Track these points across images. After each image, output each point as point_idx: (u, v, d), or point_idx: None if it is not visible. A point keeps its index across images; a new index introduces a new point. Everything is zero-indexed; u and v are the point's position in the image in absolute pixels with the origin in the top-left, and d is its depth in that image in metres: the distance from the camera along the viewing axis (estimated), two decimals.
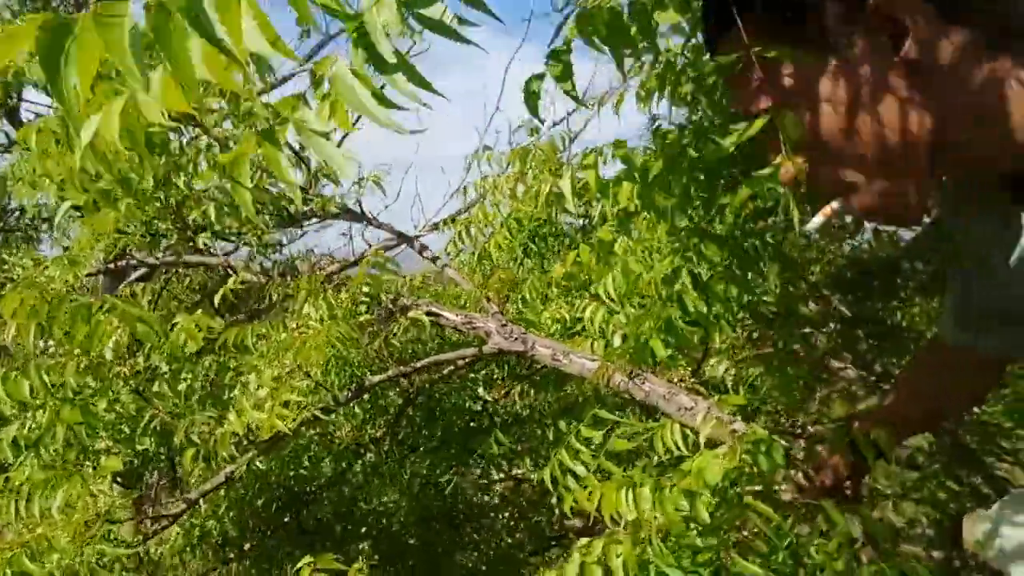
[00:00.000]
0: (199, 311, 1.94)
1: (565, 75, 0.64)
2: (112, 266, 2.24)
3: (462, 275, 1.63)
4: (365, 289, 1.55)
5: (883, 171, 0.69)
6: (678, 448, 1.47)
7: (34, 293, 1.33)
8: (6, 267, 1.97)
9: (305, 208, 1.78)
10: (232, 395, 1.43)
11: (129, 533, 1.44)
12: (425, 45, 4.27)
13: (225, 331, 1.37)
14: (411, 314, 1.62)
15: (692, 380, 1.59)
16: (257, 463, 1.71)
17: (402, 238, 1.71)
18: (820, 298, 2.12)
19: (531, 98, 0.66)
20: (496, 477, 1.99)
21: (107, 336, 1.44)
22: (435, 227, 2.04)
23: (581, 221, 2.19)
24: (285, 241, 2.78)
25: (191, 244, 1.99)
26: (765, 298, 1.70)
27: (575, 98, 0.66)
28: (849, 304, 2.11)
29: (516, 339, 1.58)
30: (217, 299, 1.94)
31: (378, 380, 1.47)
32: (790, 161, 0.73)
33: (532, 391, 1.83)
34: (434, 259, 1.61)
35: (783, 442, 1.34)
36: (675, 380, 1.55)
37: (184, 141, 1.63)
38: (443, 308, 1.64)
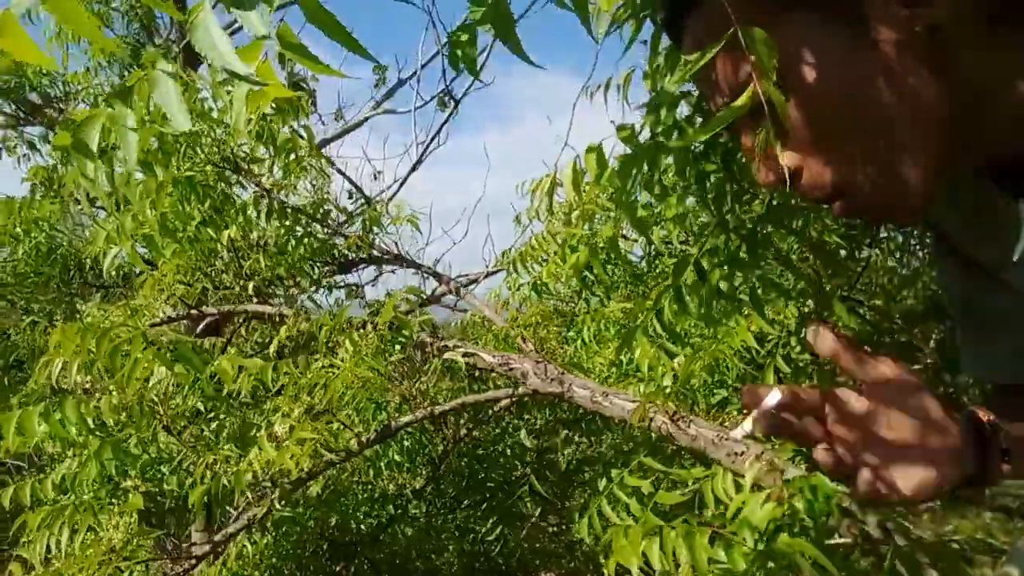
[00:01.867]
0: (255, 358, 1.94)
1: (500, 25, 0.56)
2: (189, 313, 2.32)
3: (496, 311, 1.57)
4: (400, 329, 1.52)
5: (885, 159, 0.58)
6: (729, 499, 1.33)
7: (75, 330, 1.37)
8: (79, 317, 2.08)
9: (352, 255, 1.79)
10: (257, 434, 1.40)
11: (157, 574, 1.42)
12: (490, 79, 4.31)
13: (246, 372, 1.36)
14: (447, 355, 1.57)
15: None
16: (294, 509, 1.67)
17: (436, 277, 1.68)
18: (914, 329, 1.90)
19: (460, 51, 0.59)
20: (548, 530, 1.87)
21: (143, 373, 1.46)
22: (488, 274, 2.01)
23: (645, 248, 2.07)
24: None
25: (249, 293, 2.04)
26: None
27: (525, 58, 0.59)
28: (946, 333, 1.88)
29: (553, 380, 1.49)
30: (272, 349, 1.97)
31: (405, 422, 1.41)
32: (781, 153, 0.63)
33: (577, 437, 1.72)
34: (457, 290, 1.56)
35: (843, 489, 1.18)
36: (727, 424, 1.41)
37: (228, 190, 1.68)
38: (479, 349, 1.58)
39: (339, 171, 3.66)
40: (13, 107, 2.72)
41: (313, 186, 1.85)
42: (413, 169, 3.53)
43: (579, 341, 1.95)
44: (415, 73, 3.97)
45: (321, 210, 1.81)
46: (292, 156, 1.70)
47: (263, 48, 0.58)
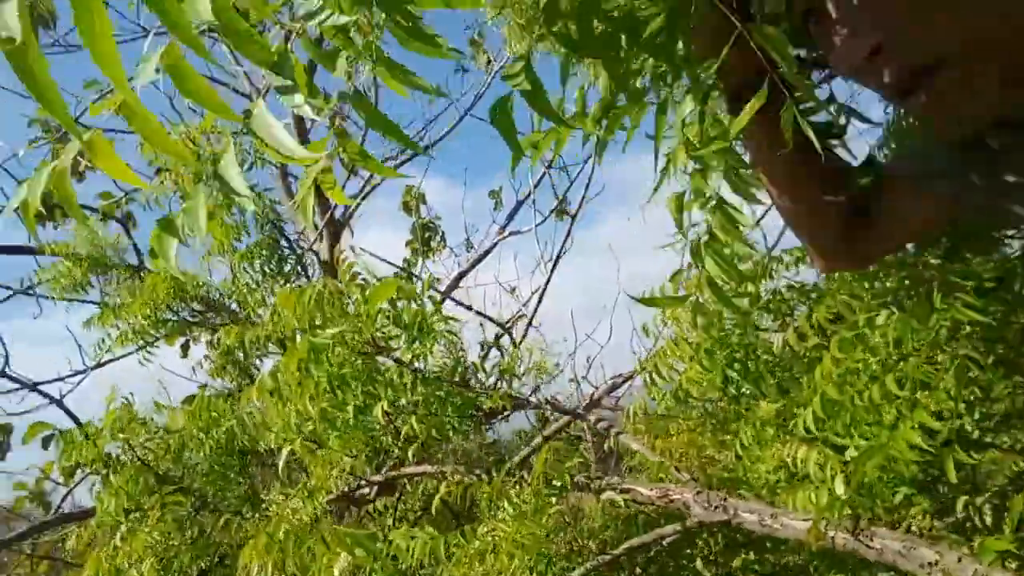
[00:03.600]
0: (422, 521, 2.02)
1: (531, 90, 0.62)
2: (359, 486, 2.47)
3: (643, 443, 1.57)
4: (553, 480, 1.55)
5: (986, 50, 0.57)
6: None
7: (265, 536, 1.50)
8: (264, 505, 2.26)
9: (491, 406, 1.87)
10: None
11: None
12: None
13: (419, 542, 1.43)
14: (605, 495, 1.58)
15: (937, 525, 1.34)
16: None
17: (575, 416, 1.71)
18: None
19: (502, 121, 0.64)
20: None
21: (331, 565, 1.56)
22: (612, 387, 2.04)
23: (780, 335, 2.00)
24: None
25: (408, 458, 2.15)
26: None
27: (558, 119, 0.64)
28: None
29: (716, 508, 1.46)
30: (435, 506, 2.05)
31: (577, 575, 1.42)
32: None
33: (754, 555, 1.63)
34: (606, 430, 1.59)
35: None
36: (913, 529, 1.31)
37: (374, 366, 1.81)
38: (636, 484, 1.58)
39: (468, 307, 3.84)
40: (181, 315, 3.12)
41: (445, 348, 1.96)
42: (547, 283, 3.71)
43: (737, 445, 1.90)
44: (530, 194, 4.20)
45: (458, 371, 1.91)
46: (421, 329, 1.83)
47: (327, 144, 0.67)
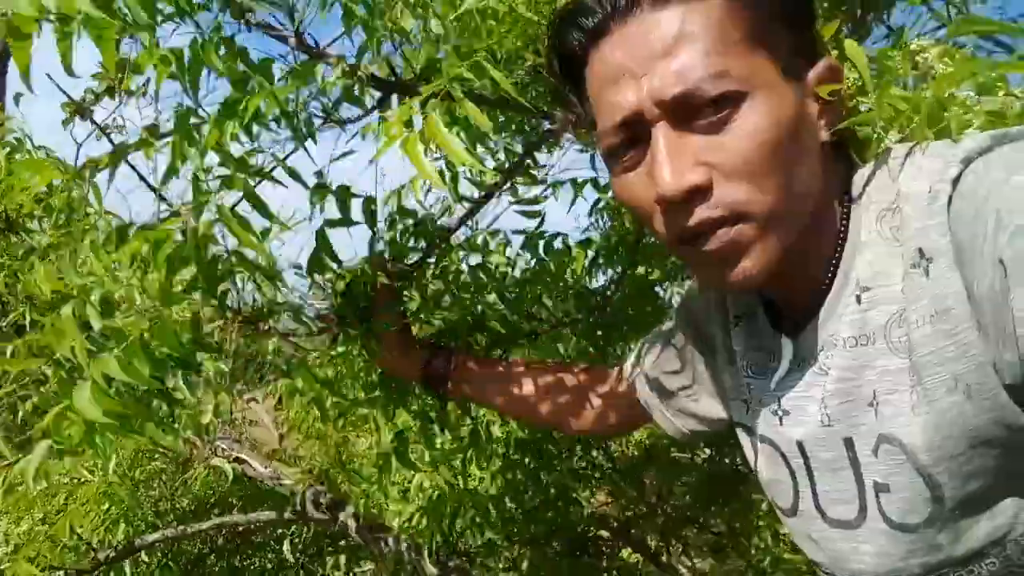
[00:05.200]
0: None
1: None
2: None
3: (273, 418, 1.53)
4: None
5: (787, 208, 0.60)
6: None
7: None
8: None
9: None
10: None
11: None
12: None
13: None
14: (214, 461, 1.50)
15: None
16: None
17: None
18: None
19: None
20: None
21: None
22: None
23: None
24: None
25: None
26: None
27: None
28: None
29: (325, 508, 1.47)
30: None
31: (153, 540, 1.33)
32: None
33: (344, 561, 1.67)
34: (247, 399, 1.51)
35: None
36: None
37: None
38: (252, 457, 1.53)
39: (150, 186, 3.41)
40: None
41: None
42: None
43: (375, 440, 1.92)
44: None
45: None
46: (72, 216, 1.57)
47: None
